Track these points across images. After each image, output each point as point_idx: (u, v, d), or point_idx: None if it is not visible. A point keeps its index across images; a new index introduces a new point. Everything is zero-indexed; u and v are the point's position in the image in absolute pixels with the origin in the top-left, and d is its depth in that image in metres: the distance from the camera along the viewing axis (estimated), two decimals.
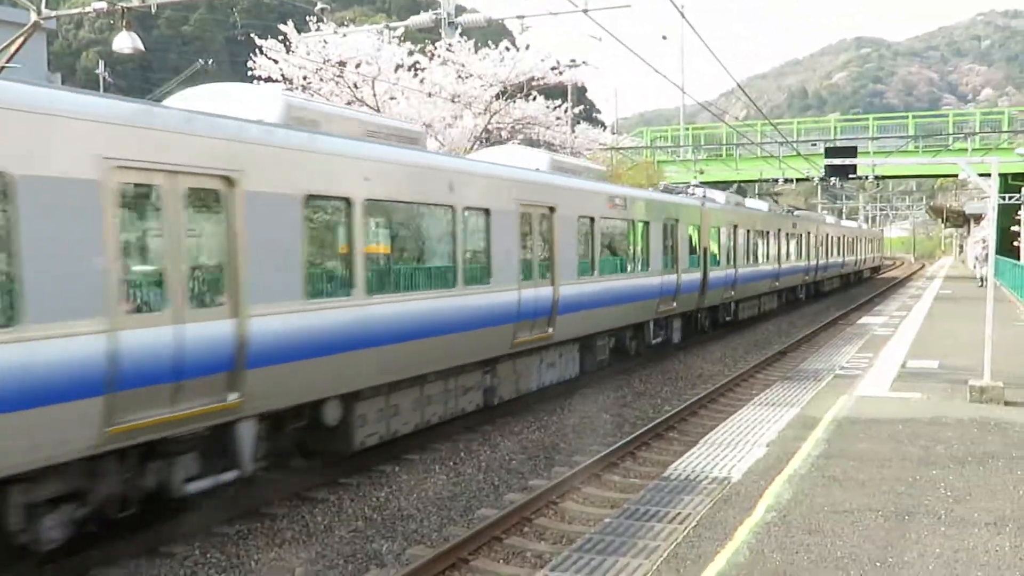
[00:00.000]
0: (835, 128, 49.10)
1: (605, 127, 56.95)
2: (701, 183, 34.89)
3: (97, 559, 8.09)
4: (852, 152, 15.09)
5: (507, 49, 28.97)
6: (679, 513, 8.05)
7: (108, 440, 7.18)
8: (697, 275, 22.66)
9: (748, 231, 27.79)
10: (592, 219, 16.14)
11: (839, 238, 46.34)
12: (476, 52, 28.94)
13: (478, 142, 29.01)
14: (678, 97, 56.95)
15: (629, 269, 18.31)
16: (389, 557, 8.63)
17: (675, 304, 20.92)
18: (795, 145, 41.25)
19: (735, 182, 47.58)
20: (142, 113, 7.63)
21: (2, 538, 6.98)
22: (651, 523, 7.89)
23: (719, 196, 26.94)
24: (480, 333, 12.42)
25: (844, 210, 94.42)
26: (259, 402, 8.52)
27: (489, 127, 29.22)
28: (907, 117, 47.52)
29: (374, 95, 26.57)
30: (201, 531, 9.03)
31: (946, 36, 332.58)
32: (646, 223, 19.04)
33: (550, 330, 14.45)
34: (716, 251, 24.37)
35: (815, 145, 43.53)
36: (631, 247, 18.61)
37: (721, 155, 47.81)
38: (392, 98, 27.52)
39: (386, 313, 10.37)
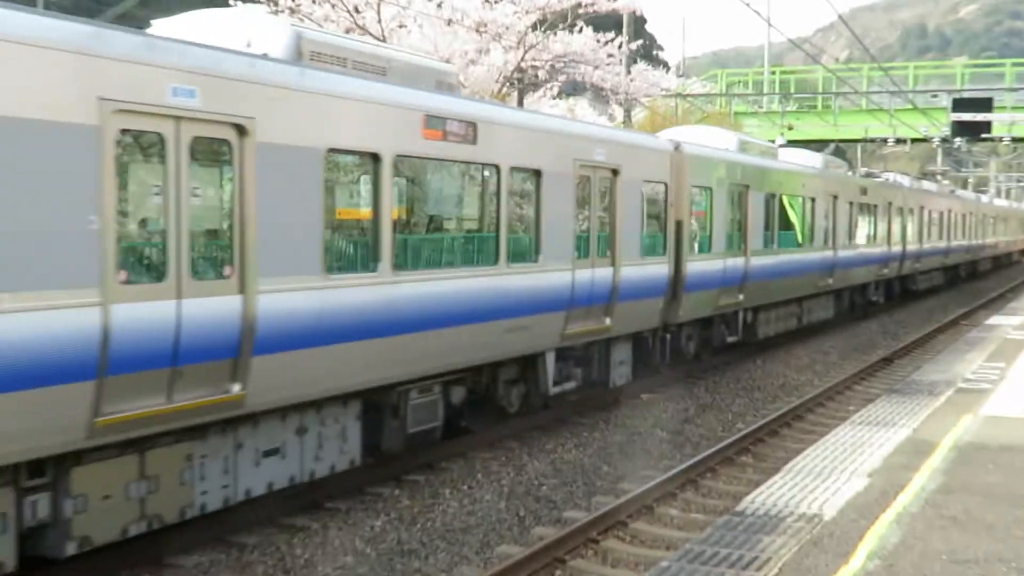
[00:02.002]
0: (962, 76, 48.47)
1: (669, 68, 56.57)
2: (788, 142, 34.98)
3: None
4: (986, 105, 14.83)
5: None
6: (755, 557, 7.97)
7: None
8: (899, 249, 33.21)
9: (930, 212, 37.78)
10: (851, 203, 27.89)
11: (994, 218, 57.12)
12: None
13: (508, 83, 28.86)
14: (762, 33, 56.44)
15: (869, 240, 30.36)
16: None
17: (886, 271, 32.27)
18: (910, 96, 40.77)
19: (832, 141, 47.12)
20: None
21: None
22: (720, 568, 7.81)
23: (904, 180, 37.03)
24: (808, 276, 24.68)
25: (971, 180, 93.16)
26: (750, 303, 21.02)
27: (523, 65, 29.06)
28: None
29: (379, 21, 26.50)
30: (150, 563, 9.06)
31: None
32: (877, 205, 30.84)
33: (830, 280, 26.49)
34: (909, 229, 34.57)
35: (935, 96, 43.03)
36: (873, 225, 30.41)
37: (815, 107, 47.38)
38: (401, 26, 27.41)
39: (787, 259, 22.99)
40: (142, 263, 8.39)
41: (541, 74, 30.53)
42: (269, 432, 9.82)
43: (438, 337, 11.46)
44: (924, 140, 42.91)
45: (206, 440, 9.08)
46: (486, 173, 12.73)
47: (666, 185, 17.07)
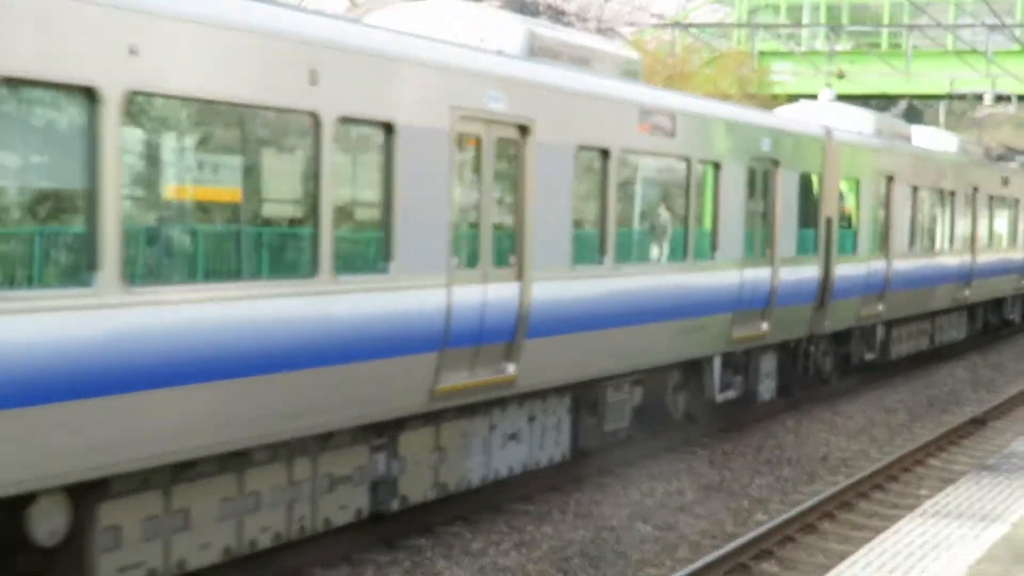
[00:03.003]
0: None
1: None
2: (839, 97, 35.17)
3: None
4: None
5: None
6: None
7: None
8: None
9: None
10: (991, 197, 33.38)
11: None
12: None
13: None
14: None
15: (1010, 243, 36.85)
16: None
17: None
18: (1017, 33, 41.25)
19: (902, 97, 47.55)
20: None
21: None
22: None
23: None
24: (946, 286, 30.01)
25: None
26: (890, 315, 26.51)
27: None
28: None
29: None
30: None
31: None
32: (1019, 199, 36.75)
33: (967, 292, 31.68)
34: None
35: None
36: (1013, 224, 36.50)
37: (878, 45, 47.80)
38: None
39: (928, 264, 28.86)
40: (466, 251, 13.46)
41: None
42: (511, 417, 14.92)
43: (638, 334, 16.63)
44: None
45: (473, 419, 14.16)
46: (680, 166, 18.00)
47: (818, 177, 22.68)
